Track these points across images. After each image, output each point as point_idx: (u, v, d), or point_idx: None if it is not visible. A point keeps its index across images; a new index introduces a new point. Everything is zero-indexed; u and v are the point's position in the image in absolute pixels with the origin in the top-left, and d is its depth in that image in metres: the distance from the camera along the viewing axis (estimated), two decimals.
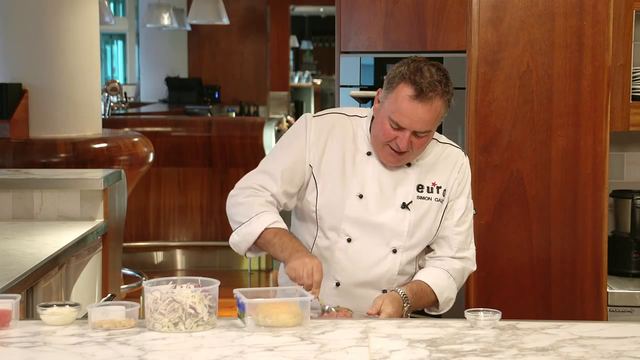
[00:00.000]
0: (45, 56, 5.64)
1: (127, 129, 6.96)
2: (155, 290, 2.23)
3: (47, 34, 5.63)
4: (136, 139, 5.94)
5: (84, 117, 5.81)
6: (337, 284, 2.71)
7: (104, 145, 5.65)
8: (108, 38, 15.71)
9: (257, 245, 2.67)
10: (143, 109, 10.52)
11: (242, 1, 12.06)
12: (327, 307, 2.57)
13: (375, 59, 3.61)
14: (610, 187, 3.46)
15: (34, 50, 5.62)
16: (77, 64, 5.75)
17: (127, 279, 6.63)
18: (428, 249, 2.81)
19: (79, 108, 5.77)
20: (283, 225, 2.65)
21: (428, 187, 2.73)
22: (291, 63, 17.63)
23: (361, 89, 3.64)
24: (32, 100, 5.59)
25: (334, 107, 3.37)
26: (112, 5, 15.13)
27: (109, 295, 3.60)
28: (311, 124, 2.73)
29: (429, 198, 2.72)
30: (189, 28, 11.59)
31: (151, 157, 6.02)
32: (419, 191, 2.72)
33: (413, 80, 2.56)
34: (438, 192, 2.74)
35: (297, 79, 17.98)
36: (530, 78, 3.31)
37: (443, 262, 2.76)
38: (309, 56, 22.47)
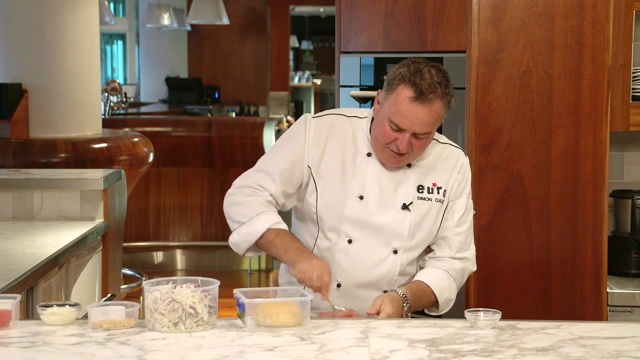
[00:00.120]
0: (45, 56, 5.64)
1: (127, 129, 6.96)
2: (155, 290, 2.23)
3: (47, 34, 5.64)
4: (136, 139, 5.94)
5: (84, 117, 5.81)
6: (338, 285, 2.70)
7: (104, 145, 5.65)
8: (108, 38, 15.71)
9: (258, 245, 2.66)
10: (143, 109, 10.52)
11: (242, 1, 12.06)
12: (337, 308, 2.58)
13: (375, 59, 3.61)
14: (610, 187, 3.46)
15: (34, 50, 5.62)
16: (77, 64, 5.75)
17: (127, 279, 6.62)
18: (428, 249, 2.81)
19: (79, 108, 5.77)
20: (284, 226, 2.65)
21: (428, 188, 2.73)
22: (291, 63, 17.63)
23: (361, 89, 3.64)
24: (32, 100, 5.59)
25: (334, 107, 3.37)
26: (112, 5, 15.13)
27: (109, 295, 3.60)
28: (311, 124, 2.73)
29: (429, 199, 2.72)
30: (189, 28, 11.59)
31: (151, 157, 6.02)
32: (419, 192, 2.72)
33: (413, 82, 2.55)
34: (438, 193, 2.73)
35: (297, 79, 17.98)
36: (530, 78, 3.31)
37: (443, 263, 2.76)
38: (309, 56, 22.47)
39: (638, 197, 3.57)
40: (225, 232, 7.61)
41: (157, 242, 7.37)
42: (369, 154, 2.71)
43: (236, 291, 2.33)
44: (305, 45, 22.27)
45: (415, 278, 2.74)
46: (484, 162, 3.34)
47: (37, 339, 2.15)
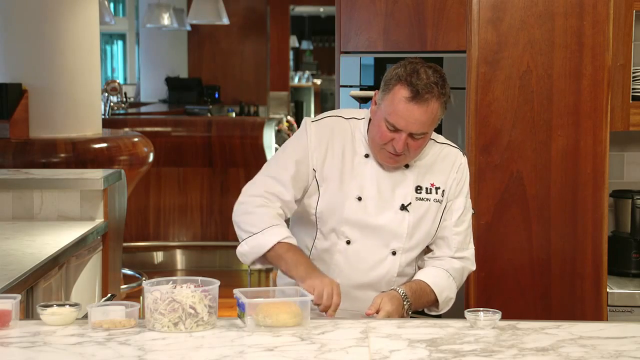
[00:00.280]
0: (45, 56, 5.64)
1: (127, 129, 6.96)
2: (155, 290, 2.23)
3: (47, 34, 5.64)
4: (136, 139, 5.94)
5: (84, 117, 5.82)
6: None
7: (104, 145, 5.65)
8: (108, 38, 15.71)
9: (266, 257, 2.63)
10: (143, 109, 10.52)
11: (242, 1, 12.06)
12: None
13: (375, 59, 3.61)
14: (610, 187, 3.46)
15: (34, 50, 5.62)
16: (77, 64, 5.75)
17: (127, 279, 6.63)
18: (427, 250, 2.80)
19: (79, 108, 5.78)
20: (294, 241, 2.63)
21: (427, 188, 2.73)
22: (291, 63, 17.63)
23: (361, 89, 3.64)
24: (32, 100, 5.60)
25: (334, 107, 3.37)
26: (112, 5, 15.13)
27: (109, 295, 3.60)
28: (311, 128, 2.72)
29: (427, 199, 2.72)
30: (189, 28, 11.59)
31: (151, 157, 6.02)
32: (417, 192, 2.72)
33: (409, 82, 2.55)
34: (437, 193, 2.73)
35: (297, 79, 17.98)
36: (530, 78, 3.31)
37: (442, 262, 2.76)
38: (309, 56, 22.47)
39: (638, 197, 3.57)
40: (225, 232, 7.62)
41: (157, 242, 7.37)
42: (366, 155, 2.71)
43: (236, 291, 2.33)
44: (305, 45, 22.27)
45: (415, 277, 2.74)
46: (484, 162, 3.34)
47: (37, 339, 2.16)
